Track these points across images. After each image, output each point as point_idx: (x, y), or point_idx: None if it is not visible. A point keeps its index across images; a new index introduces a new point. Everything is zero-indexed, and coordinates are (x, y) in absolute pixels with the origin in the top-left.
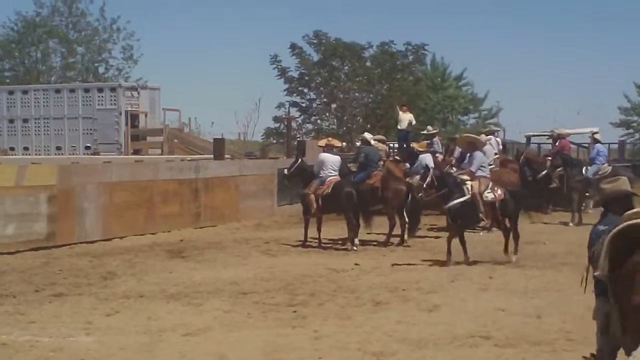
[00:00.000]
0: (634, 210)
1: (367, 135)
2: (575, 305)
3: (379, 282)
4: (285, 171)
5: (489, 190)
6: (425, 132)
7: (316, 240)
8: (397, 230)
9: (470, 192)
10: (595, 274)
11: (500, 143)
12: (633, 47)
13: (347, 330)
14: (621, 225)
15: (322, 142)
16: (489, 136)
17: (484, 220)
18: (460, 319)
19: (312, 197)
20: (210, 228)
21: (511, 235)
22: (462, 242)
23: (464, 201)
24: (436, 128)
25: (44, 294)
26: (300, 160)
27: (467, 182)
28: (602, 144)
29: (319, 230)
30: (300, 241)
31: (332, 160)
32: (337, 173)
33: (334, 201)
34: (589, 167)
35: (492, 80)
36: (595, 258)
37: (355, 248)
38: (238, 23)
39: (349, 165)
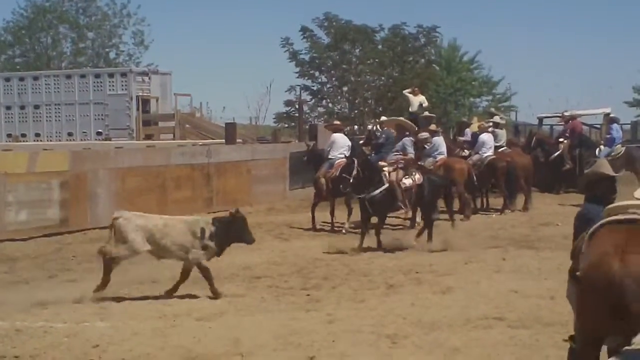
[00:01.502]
0: (615, 205)
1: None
2: None
3: (392, 265)
4: (304, 158)
5: (407, 176)
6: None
7: (329, 224)
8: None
9: (388, 180)
10: (577, 273)
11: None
12: None
13: (360, 313)
14: (599, 223)
15: (331, 126)
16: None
17: (403, 208)
18: (473, 301)
19: (322, 180)
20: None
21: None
22: (378, 231)
23: (383, 190)
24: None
25: (58, 279)
26: (312, 145)
27: (384, 170)
28: (619, 124)
29: (331, 214)
30: (321, 222)
31: (343, 142)
32: (345, 155)
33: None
34: (602, 148)
35: (505, 62)
36: (576, 253)
37: (343, 232)
38: (248, 7)
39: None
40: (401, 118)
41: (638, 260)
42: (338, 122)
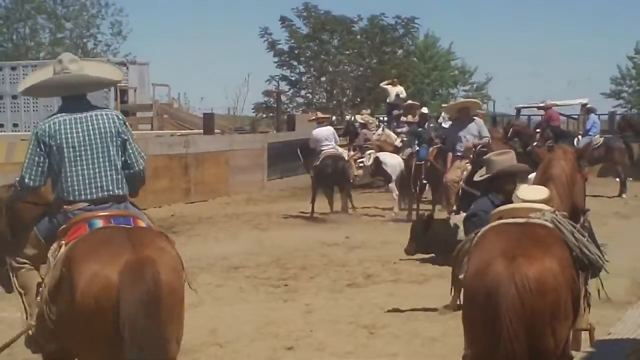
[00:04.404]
0: (503, 207)
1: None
2: None
3: (371, 255)
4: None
5: None
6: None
7: (308, 214)
8: (388, 204)
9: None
10: (460, 277)
11: None
12: (623, 17)
13: (338, 303)
14: (485, 228)
15: (311, 117)
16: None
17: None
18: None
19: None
20: (201, 203)
21: None
22: None
23: None
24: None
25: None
26: (300, 150)
27: None
28: (596, 114)
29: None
30: (299, 212)
31: (324, 134)
32: (332, 144)
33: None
34: (581, 139)
35: (482, 53)
36: (459, 260)
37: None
38: None
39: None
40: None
41: (527, 266)
42: (319, 114)
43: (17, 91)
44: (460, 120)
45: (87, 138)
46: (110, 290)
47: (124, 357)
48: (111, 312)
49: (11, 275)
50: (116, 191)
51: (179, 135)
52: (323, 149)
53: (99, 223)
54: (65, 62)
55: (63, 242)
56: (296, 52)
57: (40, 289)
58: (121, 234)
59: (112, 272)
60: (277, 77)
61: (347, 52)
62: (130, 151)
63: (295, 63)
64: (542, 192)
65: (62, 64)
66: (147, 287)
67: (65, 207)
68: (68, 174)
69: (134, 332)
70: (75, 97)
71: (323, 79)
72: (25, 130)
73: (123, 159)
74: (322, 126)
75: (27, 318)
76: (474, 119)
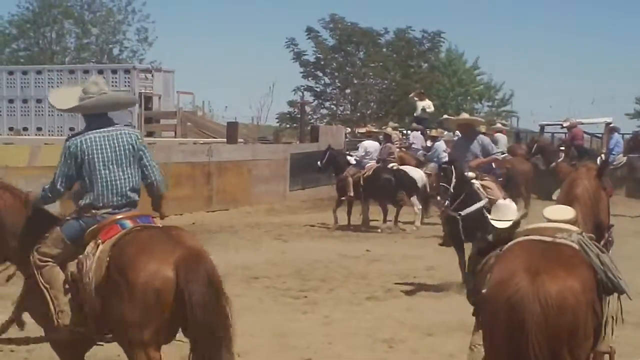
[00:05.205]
0: (530, 226)
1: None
2: None
3: (390, 268)
4: (319, 163)
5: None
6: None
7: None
8: (409, 217)
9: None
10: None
11: None
12: None
13: (357, 316)
14: (510, 243)
15: (363, 130)
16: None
17: None
18: (470, 306)
19: (350, 180)
20: (222, 212)
21: None
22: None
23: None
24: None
25: None
26: (329, 150)
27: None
28: (620, 134)
29: (349, 213)
30: (320, 224)
31: (373, 148)
32: (375, 160)
33: (373, 185)
34: (603, 157)
35: (507, 68)
36: (483, 275)
37: (379, 231)
38: (253, 6)
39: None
40: (475, 117)
41: (550, 283)
42: (369, 127)
43: (42, 95)
44: (463, 139)
45: (113, 153)
46: (170, 284)
47: (194, 337)
48: (172, 302)
49: (35, 272)
50: (132, 196)
51: (202, 143)
52: (369, 162)
53: (129, 223)
54: (101, 84)
55: (99, 241)
56: (322, 63)
57: (69, 284)
58: (160, 233)
59: (169, 268)
60: (302, 87)
61: (373, 65)
62: (147, 164)
63: (320, 74)
64: (568, 212)
65: (98, 85)
66: (207, 274)
67: (93, 211)
68: (98, 184)
69: (206, 314)
70: (99, 114)
71: (348, 91)
72: (49, 134)
73: (140, 171)
74: (371, 140)
75: (54, 309)
76: (476, 139)
